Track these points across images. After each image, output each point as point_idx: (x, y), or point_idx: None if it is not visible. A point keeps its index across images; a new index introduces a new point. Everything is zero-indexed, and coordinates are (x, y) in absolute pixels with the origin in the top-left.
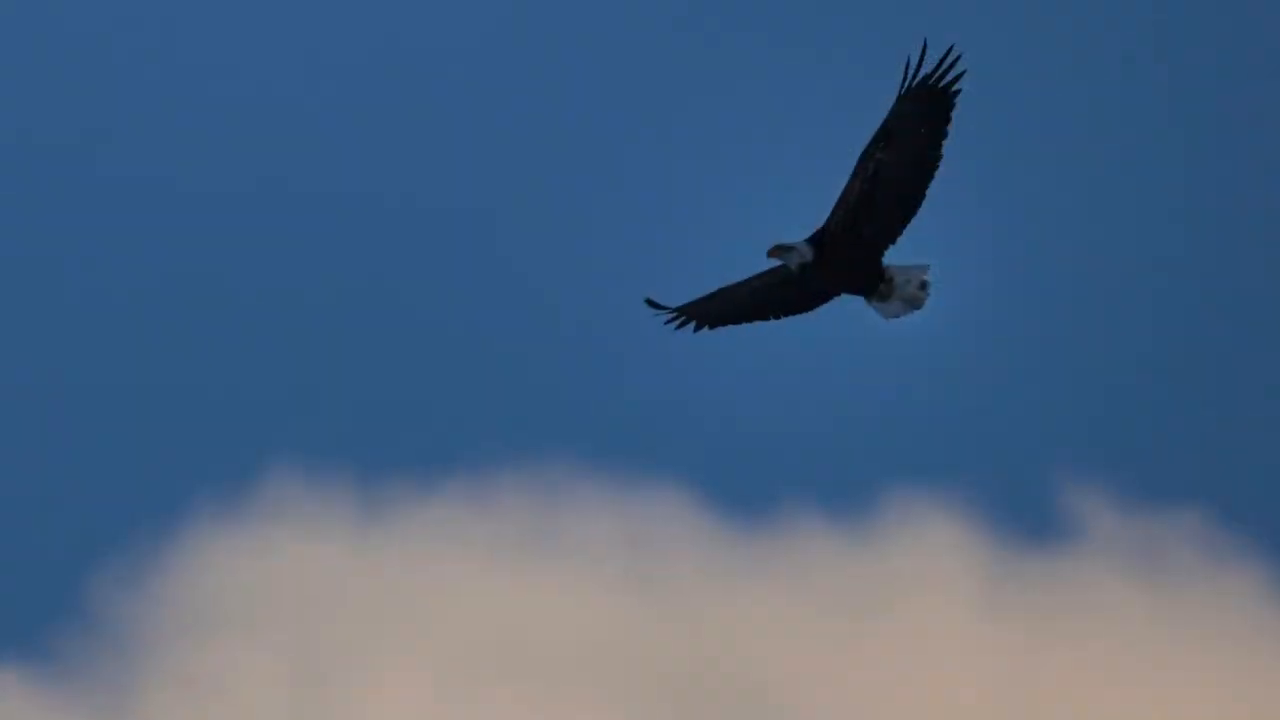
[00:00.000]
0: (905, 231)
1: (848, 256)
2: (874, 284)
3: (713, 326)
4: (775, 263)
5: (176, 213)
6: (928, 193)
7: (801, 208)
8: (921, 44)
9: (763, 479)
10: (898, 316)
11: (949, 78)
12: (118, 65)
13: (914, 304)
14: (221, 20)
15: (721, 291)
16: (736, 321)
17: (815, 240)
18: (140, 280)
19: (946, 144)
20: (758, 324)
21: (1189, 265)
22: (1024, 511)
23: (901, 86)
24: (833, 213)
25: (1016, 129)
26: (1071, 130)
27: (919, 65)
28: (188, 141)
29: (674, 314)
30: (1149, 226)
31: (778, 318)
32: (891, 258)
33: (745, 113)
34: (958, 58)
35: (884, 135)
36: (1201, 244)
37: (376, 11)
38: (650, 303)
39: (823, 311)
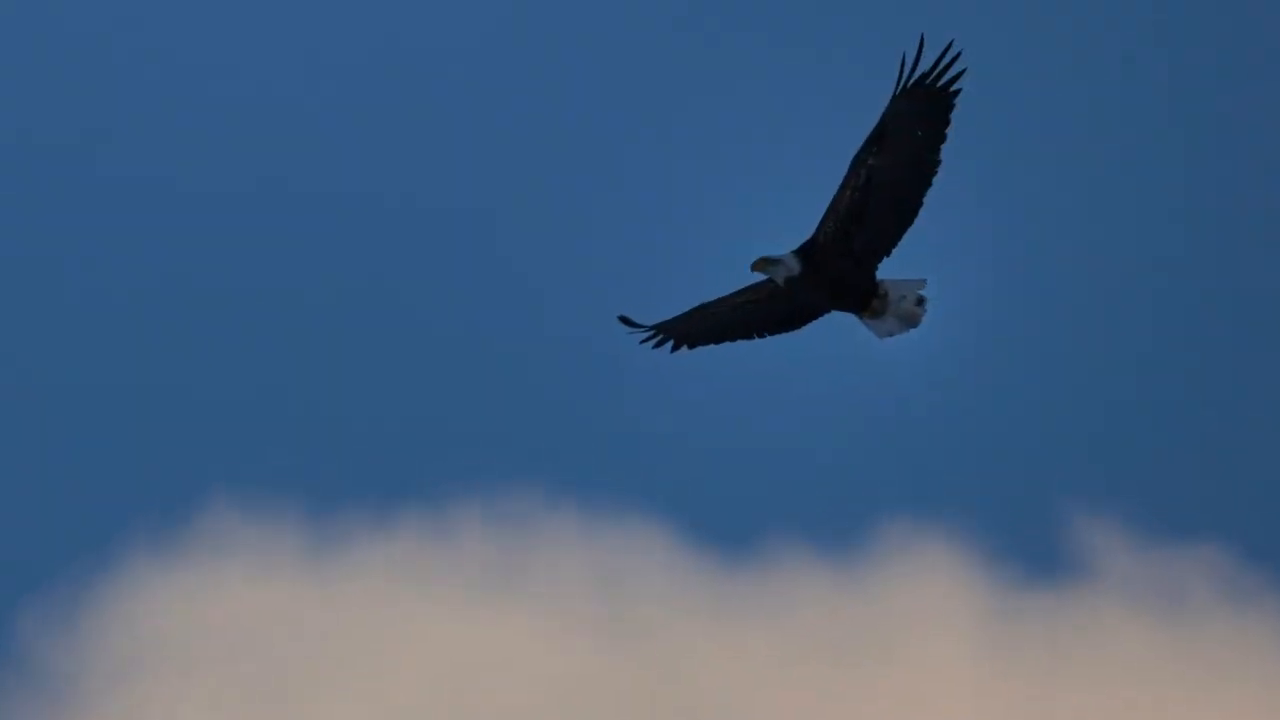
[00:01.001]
0: (900, 243)
1: (838, 270)
2: (866, 299)
3: (692, 346)
4: (759, 277)
5: (172, 213)
6: (924, 201)
7: (803, 209)
8: (918, 41)
9: (745, 511)
10: (892, 334)
11: (948, 76)
12: (118, 65)
13: (910, 321)
14: (221, 20)
15: (702, 308)
16: (718, 340)
17: (803, 252)
18: (63, 291)
19: (945, 148)
20: (740, 343)
21: (1204, 278)
22: (1029, 546)
23: (897, 85)
24: (821, 223)
25: (1018, 132)
26: (1074, 134)
27: (915, 63)
28: (188, 141)
29: (650, 332)
30: (1160, 235)
31: (762, 336)
32: (886, 271)
33: (745, 113)
34: (957, 55)
35: (877, 138)
36: (1216, 253)
37: (376, 11)
38: (624, 320)
39: (811, 329)
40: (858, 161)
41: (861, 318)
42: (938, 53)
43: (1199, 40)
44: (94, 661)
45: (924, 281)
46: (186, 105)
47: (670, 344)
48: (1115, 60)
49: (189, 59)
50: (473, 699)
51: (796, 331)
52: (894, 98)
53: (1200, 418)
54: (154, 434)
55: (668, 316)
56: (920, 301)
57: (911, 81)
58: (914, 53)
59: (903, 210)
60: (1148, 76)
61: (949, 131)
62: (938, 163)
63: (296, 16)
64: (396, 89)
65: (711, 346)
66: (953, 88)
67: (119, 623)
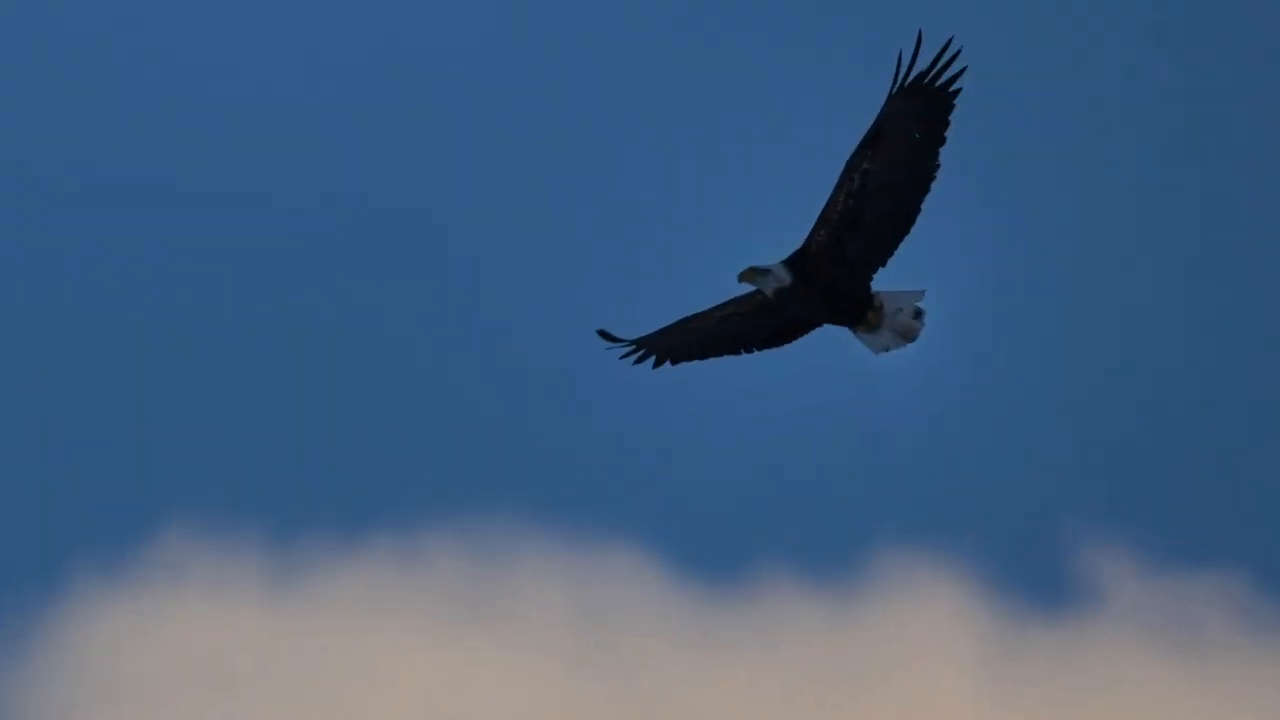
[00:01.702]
0: (897, 252)
1: (830, 280)
2: (861, 312)
3: (675, 362)
4: (747, 288)
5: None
6: (922, 207)
7: (805, 212)
8: (915, 37)
9: (733, 536)
10: (888, 349)
11: (947, 75)
12: (118, 65)
13: (906, 335)
14: (221, 20)
15: (686, 321)
16: (703, 356)
17: (793, 262)
18: (7, 304)
19: (944, 151)
20: (727, 358)
21: (1216, 293)
22: (1033, 573)
23: (893, 84)
24: (813, 231)
25: (1021, 135)
26: (1080, 138)
27: (913, 61)
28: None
29: (631, 347)
30: (1171, 244)
31: (750, 351)
32: (881, 282)
33: (745, 113)
34: (957, 53)
35: (872, 141)
36: (1230, 267)
37: (376, 11)
38: (603, 334)
39: (802, 344)
40: (852, 165)
41: (855, 331)
42: (936, 50)
43: (1206, 41)
44: (42, 696)
45: (922, 293)
46: (187, 105)
47: (652, 360)
48: (1120, 61)
49: (189, 59)
50: None
51: (786, 346)
52: (890, 98)
53: (1213, 437)
54: (106, 452)
55: (653, 329)
56: (918, 314)
57: (909, 81)
58: (911, 50)
59: (899, 217)
60: (1152, 78)
61: (948, 134)
62: (936, 167)
63: (296, 16)
64: (396, 89)
65: (696, 362)
66: (952, 87)
67: (68, 655)
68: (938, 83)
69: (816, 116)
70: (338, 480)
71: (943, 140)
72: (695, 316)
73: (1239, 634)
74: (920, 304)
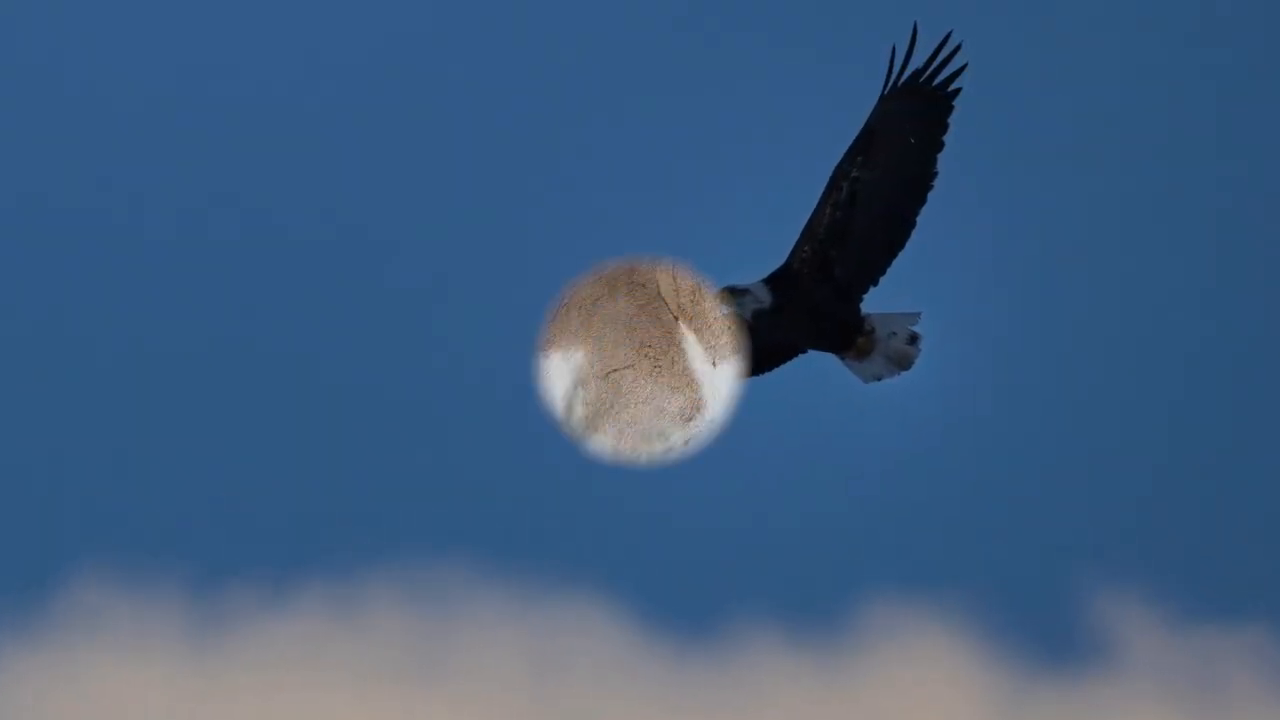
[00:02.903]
0: (890, 270)
1: (815, 302)
2: (850, 336)
3: None
4: None
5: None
6: (918, 220)
7: (805, 212)
8: (911, 32)
9: (708, 586)
10: (879, 378)
11: (946, 73)
12: (118, 67)
13: (900, 361)
14: (221, 20)
15: None
16: None
17: (774, 281)
18: None
19: (942, 157)
20: None
21: (1247, 319)
22: (1043, 626)
23: (886, 84)
24: (797, 246)
25: (1028, 139)
26: (1092, 144)
27: (907, 57)
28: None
29: None
30: (1198, 264)
31: None
32: (872, 303)
33: (745, 113)
34: (956, 48)
35: (863, 146)
36: (1262, 291)
37: (376, 11)
38: None
39: (783, 372)
40: (840, 173)
41: (844, 358)
42: (934, 47)
43: (1211, 41)
44: None
45: (917, 315)
46: (187, 105)
47: None
48: (1125, 61)
49: (189, 59)
50: None
51: (766, 375)
52: (882, 98)
53: (1240, 481)
54: (11, 492)
55: None
56: (913, 339)
57: (903, 79)
58: (905, 46)
59: (892, 230)
60: (1157, 80)
61: (947, 138)
62: (933, 174)
63: (297, 16)
64: (396, 90)
65: None
66: (951, 87)
67: None
68: (935, 81)
69: (817, 117)
70: (267, 523)
71: (941, 145)
72: None
73: (1269, 692)
74: (915, 327)
